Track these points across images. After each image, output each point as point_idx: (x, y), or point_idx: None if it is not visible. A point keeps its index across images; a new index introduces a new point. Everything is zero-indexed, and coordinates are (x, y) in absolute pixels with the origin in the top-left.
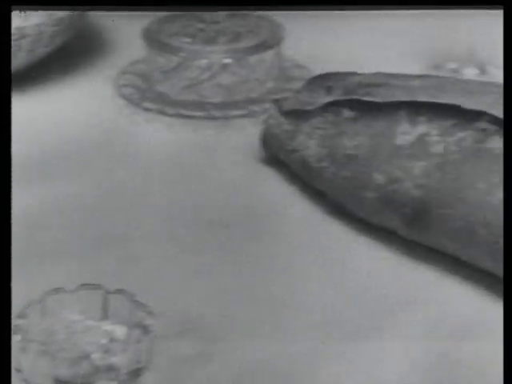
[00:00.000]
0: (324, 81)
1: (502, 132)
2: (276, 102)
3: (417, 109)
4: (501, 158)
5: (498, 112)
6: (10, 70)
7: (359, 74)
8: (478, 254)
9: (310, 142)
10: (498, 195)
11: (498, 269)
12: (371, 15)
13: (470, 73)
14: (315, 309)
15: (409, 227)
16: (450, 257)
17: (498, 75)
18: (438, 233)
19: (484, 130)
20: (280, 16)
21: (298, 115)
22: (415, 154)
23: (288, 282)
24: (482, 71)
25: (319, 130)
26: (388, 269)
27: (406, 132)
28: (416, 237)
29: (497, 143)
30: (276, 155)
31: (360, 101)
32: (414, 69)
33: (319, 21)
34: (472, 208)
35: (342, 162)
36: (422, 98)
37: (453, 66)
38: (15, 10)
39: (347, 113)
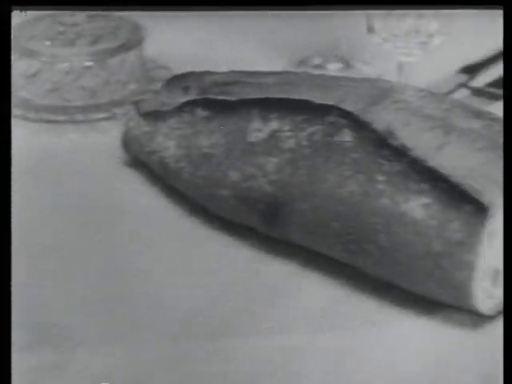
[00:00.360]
0: (181, 81)
1: (351, 125)
2: (135, 103)
3: (269, 105)
4: (350, 151)
5: (348, 106)
6: (9, 70)
7: (214, 73)
8: (331, 245)
9: (168, 143)
10: (348, 187)
11: (352, 259)
12: (236, 15)
13: (334, 67)
14: (178, 309)
15: (265, 223)
16: (307, 250)
17: (362, 69)
18: (293, 227)
19: (333, 123)
20: (140, 16)
21: (156, 116)
22: (268, 150)
23: (149, 283)
24: (347, 65)
25: (176, 130)
26: (247, 265)
27: (259, 129)
28: (272, 232)
29: (346, 136)
30: (137, 157)
31: (213, 100)
32: (279, 65)
33: (179, 20)
34: (323, 201)
35: (198, 162)
36: (275, 94)
37: (317, 61)
38: (15, 9)
39: (202, 112)
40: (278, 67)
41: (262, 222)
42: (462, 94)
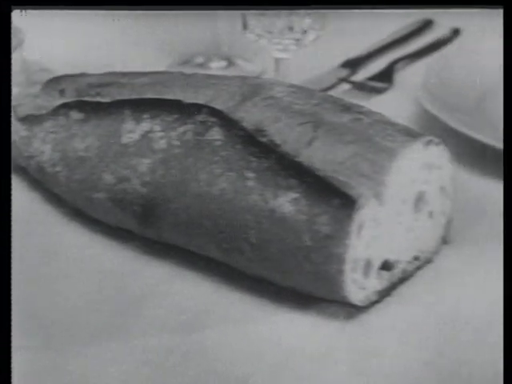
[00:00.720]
0: (57, 84)
1: (220, 123)
2: (13, 107)
3: (140, 106)
4: (220, 149)
5: (219, 104)
6: (9, 70)
7: (90, 75)
8: (205, 244)
9: (44, 147)
10: (219, 186)
11: (226, 257)
12: (119, 15)
13: (217, 66)
14: (64, 314)
15: (140, 225)
16: (182, 250)
17: (244, 66)
18: (167, 227)
19: (203, 122)
20: (19, 18)
21: (32, 120)
22: (140, 151)
23: (37, 290)
24: (230, 63)
25: (52, 134)
26: (123, 266)
27: (131, 130)
28: (148, 233)
29: (216, 135)
30: (16, 162)
31: (87, 102)
32: (163, 65)
33: (62, 21)
34: (195, 200)
35: (73, 165)
36: (148, 94)
37: (200, 60)
38: (15, 9)
39: (76, 115)
40: (161, 67)
41: (138, 224)
42: (343, 89)
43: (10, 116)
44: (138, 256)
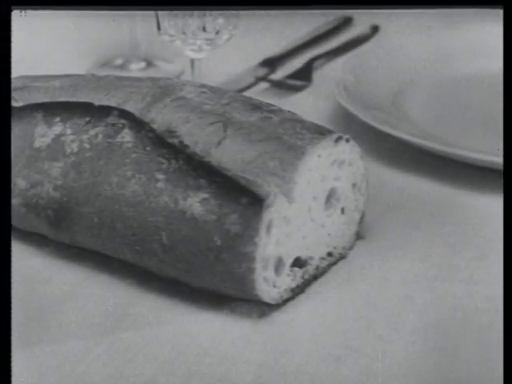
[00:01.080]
0: None
1: (130, 125)
2: None
3: (53, 110)
4: (131, 151)
5: (131, 106)
6: (9, 70)
7: None
8: (118, 247)
9: None
10: (131, 188)
11: (139, 259)
12: (37, 15)
13: (137, 67)
14: None
15: (54, 229)
16: (96, 254)
17: (164, 67)
18: (81, 231)
19: (114, 124)
20: None
21: None
22: (52, 155)
23: None
24: (149, 64)
25: None
26: (39, 272)
27: (44, 134)
28: (62, 238)
29: (127, 137)
30: None
31: None
32: (83, 67)
33: None
34: (107, 203)
35: None
36: (60, 98)
37: (119, 61)
38: (15, 9)
39: None
40: (81, 70)
41: (51, 229)
42: (262, 87)
43: (9, 115)
44: (52, 261)
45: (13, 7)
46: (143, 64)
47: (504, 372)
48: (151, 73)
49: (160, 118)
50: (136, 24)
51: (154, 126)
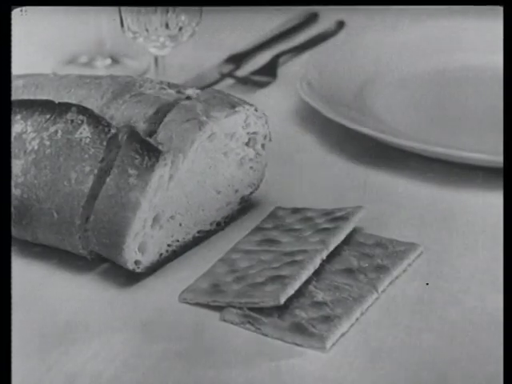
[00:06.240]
0: None
1: (89, 121)
2: None
3: (14, 108)
4: (89, 147)
5: (91, 103)
6: (10, 70)
7: None
8: (76, 242)
9: None
10: (88, 183)
11: (110, 255)
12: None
13: (102, 64)
14: None
15: (16, 227)
16: (59, 250)
17: (129, 64)
18: (42, 228)
19: (73, 121)
20: None
21: None
22: (14, 152)
23: None
24: (114, 62)
25: None
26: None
27: None
28: (24, 235)
29: (85, 133)
30: None
31: None
32: (48, 66)
33: None
34: (67, 199)
35: None
36: (22, 96)
37: (85, 59)
38: (15, 9)
39: None
40: (46, 69)
41: (14, 226)
42: (227, 84)
43: (9, 115)
44: (14, 260)
45: (13, 7)
46: (109, 61)
47: (504, 372)
48: (116, 70)
49: (119, 113)
50: (101, 21)
51: (114, 122)
